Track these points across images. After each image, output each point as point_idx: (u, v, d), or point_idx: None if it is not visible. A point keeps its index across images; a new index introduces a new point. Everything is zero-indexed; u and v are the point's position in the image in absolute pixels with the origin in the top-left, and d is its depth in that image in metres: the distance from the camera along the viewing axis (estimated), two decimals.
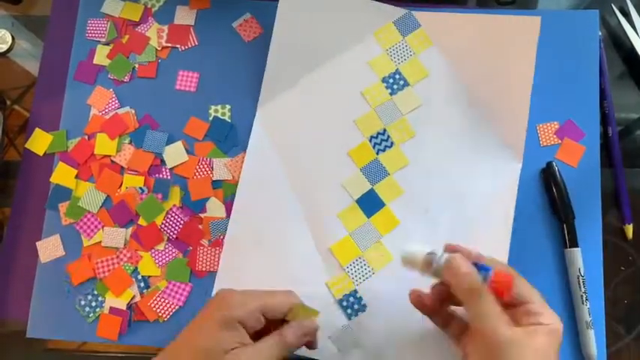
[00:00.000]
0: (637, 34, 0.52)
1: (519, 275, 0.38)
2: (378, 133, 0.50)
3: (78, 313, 0.48)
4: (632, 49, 0.52)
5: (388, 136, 0.50)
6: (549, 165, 0.48)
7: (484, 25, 0.51)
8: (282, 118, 0.50)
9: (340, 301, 0.47)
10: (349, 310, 0.46)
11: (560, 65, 0.51)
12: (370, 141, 0.50)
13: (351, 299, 0.47)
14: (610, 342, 0.46)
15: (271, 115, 0.51)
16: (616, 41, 0.53)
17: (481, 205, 0.48)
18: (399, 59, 0.52)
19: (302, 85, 0.51)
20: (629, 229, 0.48)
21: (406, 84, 0.51)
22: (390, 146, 0.50)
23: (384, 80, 0.51)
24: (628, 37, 0.52)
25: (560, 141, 0.50)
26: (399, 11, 0.52)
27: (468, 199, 0.48)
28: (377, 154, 0.50)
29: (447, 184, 0.49)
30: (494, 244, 0.47)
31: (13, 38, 0.55)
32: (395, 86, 0.51)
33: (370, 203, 0.49)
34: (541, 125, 0.50)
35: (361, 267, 0.47)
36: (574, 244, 0.47)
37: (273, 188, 0.49)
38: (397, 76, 0.51)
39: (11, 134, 0.53)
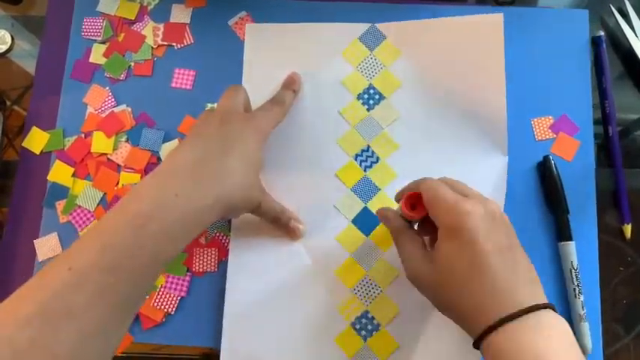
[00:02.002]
0: (635, 34, 0.52)
1: (449, 181, 0.40)
2: (363, 151, 0.50)
3: None
4: (631, 49, 0.52)
5: (373, 152, 0.50)
6: (546, 159, 0.49)
7: (448, 29, 0.51)
8: (265, 151, 0.50)
9: (353, 324, 0.46)
10: (363, 332, 0.46)
11: (554, 61, 0.51)
12: (356, 159, 0.50)
13: (364, 320, 0.46)
14: (609, 342, 0.46)
15: None
16: (614, 42, 0.53)
17: None
18: (370, 74, 0.51)
19: None
20: (628, 229, 0.48)
21: (382, 97, 0.51)
22: (377, 161, 0.50)
23: (359, 97, 0.51)
24: (626, 38, 0.52)
25: (555, 135, 0.50)
26: (362, 26, 0.52)
27: None
28: (365, 171, 0.50)
29: None
30: None
31: (12, 39, 0.55)
32: (371, 101, 0.51)
33: (366, 221, 0.48)
34: (536, 120, 0.50)
35: (368, 287, 0.47)
36: (568, 237, 0.47)
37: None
38: (372, 91, 0.51)
39: (10, 134, 0.53)
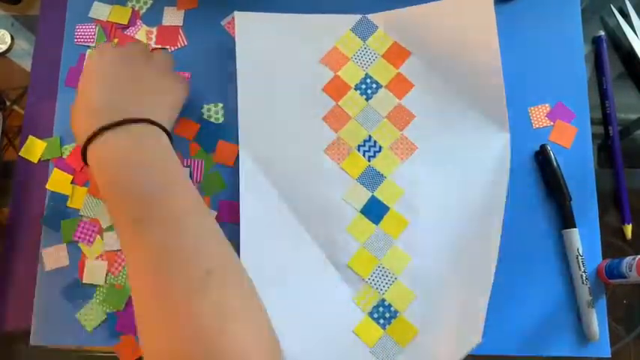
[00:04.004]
0: (636, 34, 0.52)
1: None
2: (365, 141, 0.50)
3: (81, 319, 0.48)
4: (631, 49, 0.52)
5: (375, 142, 0.50)
6: (543, 147, 0.49)
7: (439, 12, 0.51)
8: (266, 150, 0.50)
9: (371, 314, 0.47)
10: (382, 321, 0.46)
11: (547, 48, 0.51)
12: (359, 150, 0.50)
13: (381, 309, 0.47)
14: (610, 342, 0.46)
15: (255, 150, 0.50)
16: (615, 42, 0.53)
17: (479, 182, 0.48)
18: (365, 64, 0.51)
19: (279, 112, 0.50)
20: (628, 229, 0.48)
21: (379, 86, 0.51)
22: (379, 150, 0.50)
23: (356, 88, 0.51)
24: (627, 38, 0.52)
25: (552, 123, 0.50)
26: (353, 18, 0.52)
27: (466, 180, 0.48)
28: (368, 161, 0.50)
29: (442, 171, 0.49)
30: (491, 218, 0.47)
31: (12, 38, 0.55)
32: (369, 91, 0.51)
33: (375, 210, 0.49)
34: (532, 108, 0.50)
35: (383, 275, 0.47)
36: (572, 224, 0.47)
37: (277, 222, 0.48)
38: (368, 81, 0.51)
39: (10, 134, 0.53)
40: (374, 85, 0.51)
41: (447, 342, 0.45)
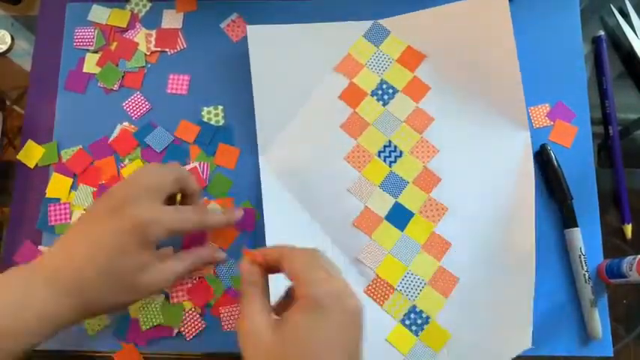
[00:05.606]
0: (635, 34, 0.52)
1: (291, 252, 0.36)
2: (385, 146, 0.50)
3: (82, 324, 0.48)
4: (631, 49, 0.52)
5: (395, 146, 0.50)
6: (543, 147, 0.49)
7: (453, 14, 0.50)
8: (287, 160, 0.49)
9: (402, 321, 0.46)
10: (414, 327, 0.46)
11: (547, 48, 0.51)
12: (379, 156, 0.49)
13: (413, 315, 0.46)
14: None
15: (275, 160, 0.49)
16: (615, 42, 0.53)
17: (504, 182, 0.48)
18: (380, 69, 0.51)
19: (296, 123, 0.50)
20: (628, 229, 0.49)
21: (395, 91, 0.51)
22: (400, 155, 0.49)
23: (373, 93, 0.51)
24: (627, 38, 0.52)
25: (552, 123, 0.50)
26: (365, 24, 0.52)
27: (490, 183, 0.48)
28: (390, 166, 0.49)
29: (465, 174, 0.49)
30: (522, 220, 0.47)
31: (12, 38, 0.55)
32: (385, 96, 0.51)
33: (399, 216, 0.48)
34: (532, 108, 0.51)
35: (412, 281, 0.47)
36: (573, 224, 0.47)
37: (302, 234, 0.47)
38: (384, 86, 0.51)
39: (10, 134, 0.53)
40: (390, 90, 0.51)
41: (485, 346, 0.45)
